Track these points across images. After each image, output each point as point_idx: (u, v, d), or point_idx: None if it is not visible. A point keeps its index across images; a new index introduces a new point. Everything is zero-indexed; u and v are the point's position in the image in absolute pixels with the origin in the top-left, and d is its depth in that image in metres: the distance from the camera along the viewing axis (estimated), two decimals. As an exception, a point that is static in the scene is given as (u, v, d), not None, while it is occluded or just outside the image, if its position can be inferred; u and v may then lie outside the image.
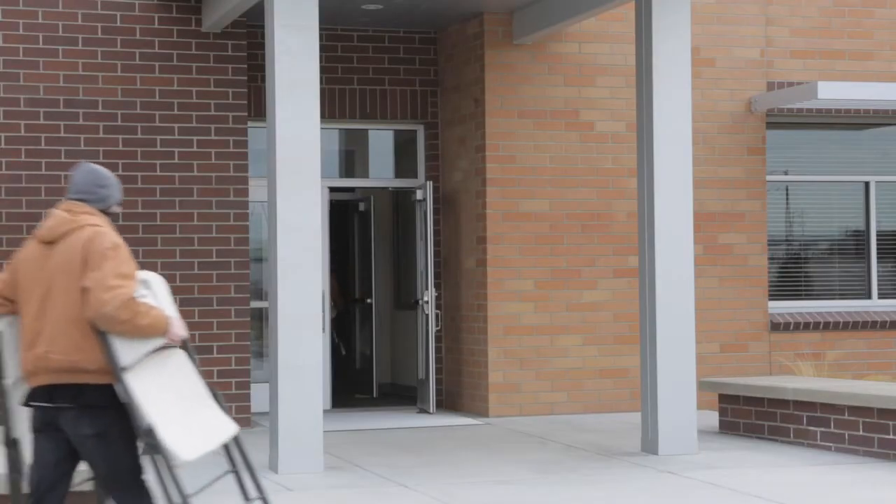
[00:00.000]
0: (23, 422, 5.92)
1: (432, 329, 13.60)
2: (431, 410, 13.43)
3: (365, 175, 14.49)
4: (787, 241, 14.53)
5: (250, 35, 13.02)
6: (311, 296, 9.91)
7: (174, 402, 5.69)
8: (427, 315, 13.57)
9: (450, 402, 13.87)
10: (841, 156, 14.64)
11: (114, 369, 5.55)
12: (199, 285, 12.49)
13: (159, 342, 5.65)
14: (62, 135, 12.21)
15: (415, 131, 14.26)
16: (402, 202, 15.13)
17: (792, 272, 14.53)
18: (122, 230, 12.25)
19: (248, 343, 12.68)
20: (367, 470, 9.90)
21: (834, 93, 13.38)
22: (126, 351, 5.56)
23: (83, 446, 5.63)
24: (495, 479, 9.52)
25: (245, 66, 12.72)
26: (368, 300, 15.82)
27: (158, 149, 12.44)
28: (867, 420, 10.42)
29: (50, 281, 5.69)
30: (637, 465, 10.16)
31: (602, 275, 13.50)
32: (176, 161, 12.49)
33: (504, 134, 13.28)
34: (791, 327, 14.06)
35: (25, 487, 5.86)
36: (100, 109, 12.31)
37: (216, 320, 12.51)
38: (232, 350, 12.56)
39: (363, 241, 15.94)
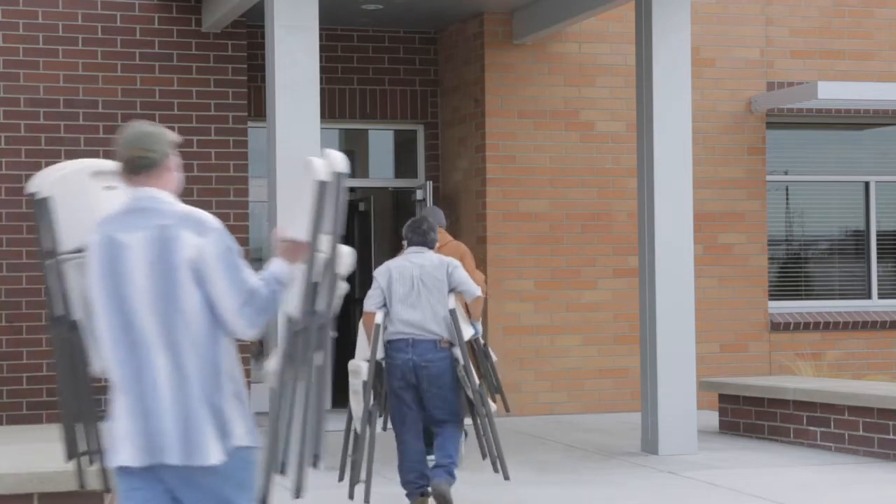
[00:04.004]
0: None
1: (432, 329, 13.61)
2: (431, 410, 13.47)
3: (365, 175, 14.49)
4: (787, 241, 14.53)
5: (250, 35, 13.02)
6: (312, 296, 9.91)
7: None
8: (427, 315, 13.60)
9: (450, 402, 13.86)
10: (841, 156, 14.64)
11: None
12: (199, 285, 12.47)
13: None
14: (62, 135, 12.22)
15: (415, 131, 14.26)
16: (402, 202, 15.13)
17: (792, 272, 14.53)
18: (122, 230, 12.28)
19: (248, 343, 12.68)
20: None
21: (834, 93, 13.38)
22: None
23: None
24: (495, 479, 9.52)
25: (245, 66, 12.72)
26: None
27: (158, 149, 12.42)
28: (867, 420, 10.42)
29: None
30: (637, 465, 10.16)
31: (602, 275, 13.50)
32: (176, 161, 12.48)
33: (504, 134, 13.29)
34: (791, 327, 14.06)
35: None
36: (100, 109, 12.32)
37: (216, 320, 12.50)
38: (232, 350, 12.54)
39: (363, 240, 15.95)
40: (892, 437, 10.20)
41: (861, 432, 10.48)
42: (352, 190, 15.75)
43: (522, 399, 13.17)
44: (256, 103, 13.21)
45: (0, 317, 12.10)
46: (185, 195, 12.50)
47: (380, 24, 13.74)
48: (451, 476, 8.27)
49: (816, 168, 14.57)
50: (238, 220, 12.62)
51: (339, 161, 4.70)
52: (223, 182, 12.61)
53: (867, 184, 14.67)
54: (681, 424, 10.61)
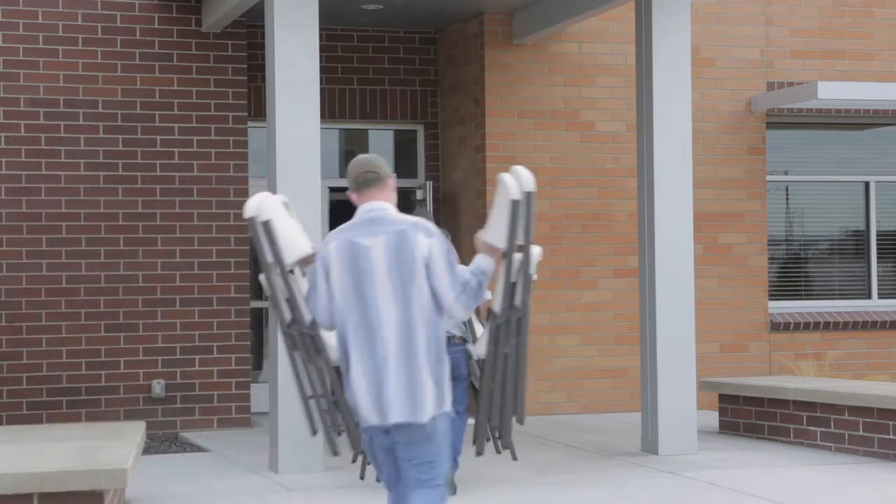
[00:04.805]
0: None
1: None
2: (432, 410, 13.48)
3: (365, 175, 14.46)
4: (787, 241, 14.53)
5: (250, 35, 13.02)
6: (312, 296, 9.93)
7: None
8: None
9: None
10: (841, 156, 14.64)
11: None
12: (199, 285, 12.49)
13: None
14: (62, 135, 12.22)
15: (415, 131, 14.26)
16: (402, 202, 15.10)
17: (792, 272, 14.53)
18: (122, 230, 12.28)
19: (248, 343, 12.68)
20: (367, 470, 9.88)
21: (834, 93, 13.38)
22: None
23: None
24: (495, 479, 9.53)
25: (245, 66, 12.72)
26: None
27: (158, 149, 12.44)
28: (867, 420, 10.42)
29: None
30: (637, 465, 10.16)
31: (602, 275, 13.50)
32: (176, 161, 12.49)
33: (504, 134, 13.29)
34: (791, 327, 14.06)
35: None
36: (100, 109, 12.31)
37: (216, 320, 12.51)
38: (232, 350, 12.56)
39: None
40: (892, 437, 10.20)
41: (861, 432, 10.48)
42: (352, 190, 15.75)
43: (522, 399, 13.16)
44: (256, 103, 13.21)
45: (0, 317, 12.09)
46: (185, 195, 12.50)
47: (380, 24, 13.74)
48: (455, 463, 8.95)
49: (816, 168, 14.57)
50: (238, 220, 12.61)
51: (529, 181, 5.73)
52: (223, 182, 12.61)
53: (867, 184, 14.67)
54: (681, 424, 10.61)
